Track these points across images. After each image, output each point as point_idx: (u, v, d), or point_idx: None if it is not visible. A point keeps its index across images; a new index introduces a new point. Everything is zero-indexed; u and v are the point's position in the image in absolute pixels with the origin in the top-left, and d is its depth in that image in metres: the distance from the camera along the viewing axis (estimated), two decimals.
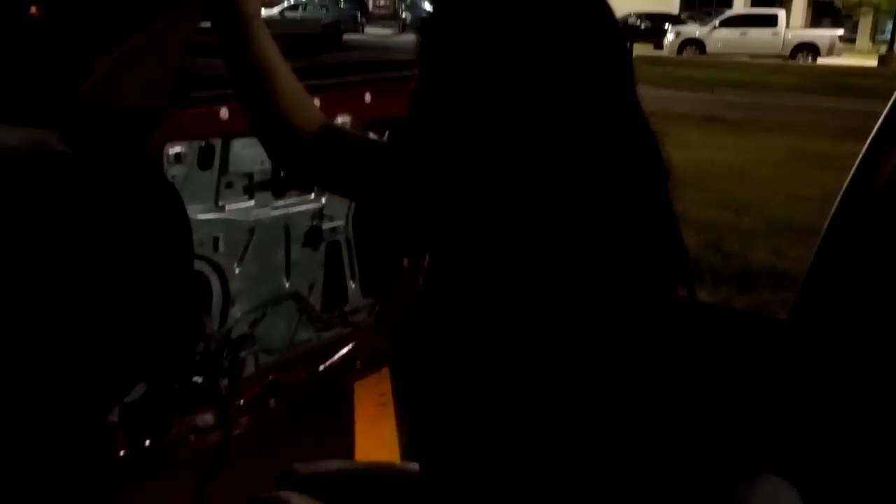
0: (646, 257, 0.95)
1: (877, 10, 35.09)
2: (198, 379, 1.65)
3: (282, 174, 1.78)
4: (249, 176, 1.74)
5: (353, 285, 2.09)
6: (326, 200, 1.92)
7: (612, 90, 0.94)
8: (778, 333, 1.59)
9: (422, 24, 1.01)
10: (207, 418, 1.71)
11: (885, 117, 1.45)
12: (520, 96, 0.91)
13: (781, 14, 28.70)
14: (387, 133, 2.02)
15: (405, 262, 2.17)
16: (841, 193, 1.47)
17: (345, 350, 2.09)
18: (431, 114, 0.97)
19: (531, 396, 0.92)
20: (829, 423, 1.42)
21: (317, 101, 1.67)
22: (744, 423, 1.59)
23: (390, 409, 2.36)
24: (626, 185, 0.93)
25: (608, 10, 0.97)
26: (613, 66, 0.95)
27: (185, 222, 1.42)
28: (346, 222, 2.00)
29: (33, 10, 1.14)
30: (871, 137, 1.46)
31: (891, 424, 1.35)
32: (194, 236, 1.50)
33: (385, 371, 2.26)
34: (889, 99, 1.47)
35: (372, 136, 1.95)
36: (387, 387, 2.33)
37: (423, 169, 0.95)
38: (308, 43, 2.28)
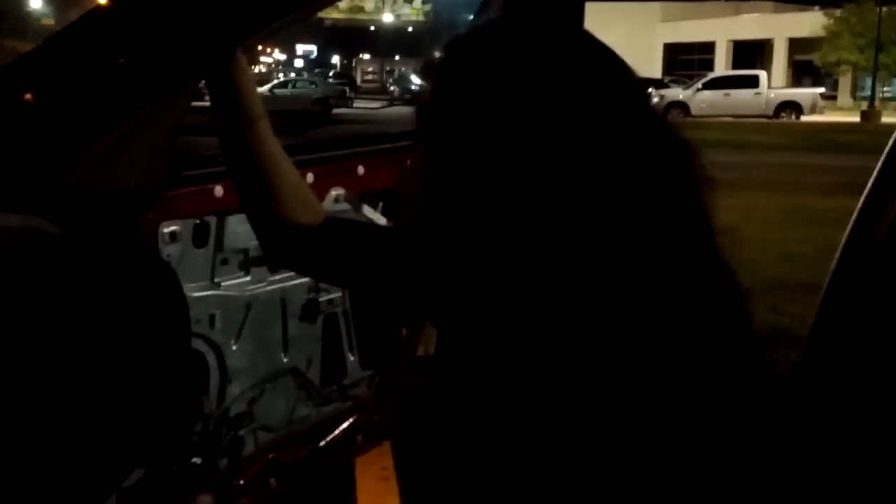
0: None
1: (855, 68, 35.83)
2: (197, 460, 1.62)
3: None
4: (245, 251, 1.73)
5: (352, 358, 2.07)
6: None
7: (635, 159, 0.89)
8: (783, 392, 1.58)
9: (430, 100, 0.93)
10: (207, 501, 1.68)
11: (881, 169, 1.46)
12: (542, 167, 0.85)
13: (763, 75, 29.20)
14: (380, 205, 2.02)
15: (403, 332, 2.16)
16: (841, 248, 1.47)
17: (345, 425, 2.06)
18: (447, 191, 0.91)
19: (557, 477, 0.88)
20: (836, 483, 1.40)
21: (310, 176, 1.69)
22: (748, 484, 1.56)
23: (393, 484, 2.32)
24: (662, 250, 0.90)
25: (628, 72, 0.92)
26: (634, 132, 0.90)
27: (181, 302, 1.41)
28: (343, 294, 1.99)
29: (28, 96, 1.15)
30: (867, 190, 1.46)
31: None
32: (191, 314, 1.49)
33: (386, 445, 2.23)
34: (874, 152, 1.48)
35: (368, 210, 1.95)
36: (388, 461, 2.29)
37: (445, 246, 0.92)
38: (298, 118, 2.30)
